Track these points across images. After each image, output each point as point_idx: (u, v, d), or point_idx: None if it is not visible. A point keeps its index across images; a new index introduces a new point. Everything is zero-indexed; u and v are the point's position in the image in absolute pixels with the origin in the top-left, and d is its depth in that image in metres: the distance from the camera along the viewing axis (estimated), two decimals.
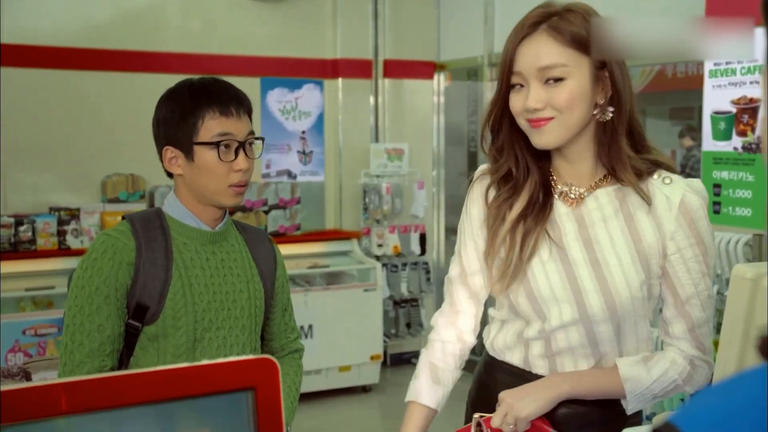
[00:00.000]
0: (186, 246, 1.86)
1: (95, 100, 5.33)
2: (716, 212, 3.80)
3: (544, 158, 1.64)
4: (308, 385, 5.34)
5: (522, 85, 1.55)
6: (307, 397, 5.27)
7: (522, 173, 1.62)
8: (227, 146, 1.81)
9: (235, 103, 1.85)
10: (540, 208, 1.60)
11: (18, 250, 4.89)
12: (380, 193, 5.97)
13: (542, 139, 1.55)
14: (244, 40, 5.83)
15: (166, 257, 1.82)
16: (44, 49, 5.21)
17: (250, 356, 0.79)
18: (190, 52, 5.61)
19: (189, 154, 1.82)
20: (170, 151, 1.84)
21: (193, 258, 1.86)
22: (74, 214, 5.08)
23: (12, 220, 4.92)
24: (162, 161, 1.88)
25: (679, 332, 1.59)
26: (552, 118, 1.52)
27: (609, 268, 1.55)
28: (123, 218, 1.89)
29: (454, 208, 7.12)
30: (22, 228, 4.93)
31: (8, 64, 5.09)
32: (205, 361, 0.75)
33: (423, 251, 6.16)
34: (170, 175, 1.90)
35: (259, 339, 2.00)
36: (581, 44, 1.51)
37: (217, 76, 1.94)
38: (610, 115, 1.55)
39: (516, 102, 1.56)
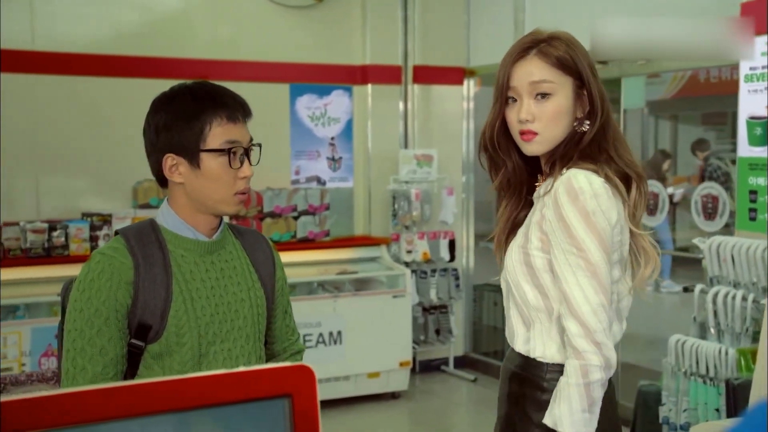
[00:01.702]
0: (184, 258, 1.80)
1: (127, 107, 5.38)
2: (752, 219, 3.73)
3: (533, 162, 1.95)
4: (337, 391, 5.34)
5: (515, 100, 1.86)
6: (336, 404, 5.27)
7: (517, 179, 1.96)
8: (234, 153, 1.77)
9: (241, 109, 1.81)
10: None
11: (51, 255, 4.95)
12: (409, 199, 5.96)
13: (531, 148, 1.86)
14: (273, 46, 5.86)
15: (165, 273, 1.77)
16: (76, 56, 5.27)
17: (286, 363, 0.78)
18: (220, 59, 5.64)
19: (194, 161, 1.76)
20: (172, 159, 1.77)
21: (193, 270, 1.81)
22: (106, 220, 5.13)
23: (45, 225, 4.98)
24: (160, 169, 1.79)
25: (565, 321, 1.76)
26: (537, 134, 1.83)
27: (515, 239, 1.91)
28: (116, 233, 1.83)
29: (484, 215, 7.08)
30: (55, 233, 4.99)
31: (42, 71, 5.17)
32: (242, 368, 0.74)
33: (452, 257, 6.13)
34: (163, 184, 1.83)
35: (263, 346, 1.95)
36: (565, 66, 1.83)
37: (214, 81, 1.87)
38: (587, 126, 1.84)
39: (512, 115, 1.86)
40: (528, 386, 1.83)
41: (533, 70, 1.82)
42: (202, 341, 1.79)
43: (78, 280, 1.77)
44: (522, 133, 1.84)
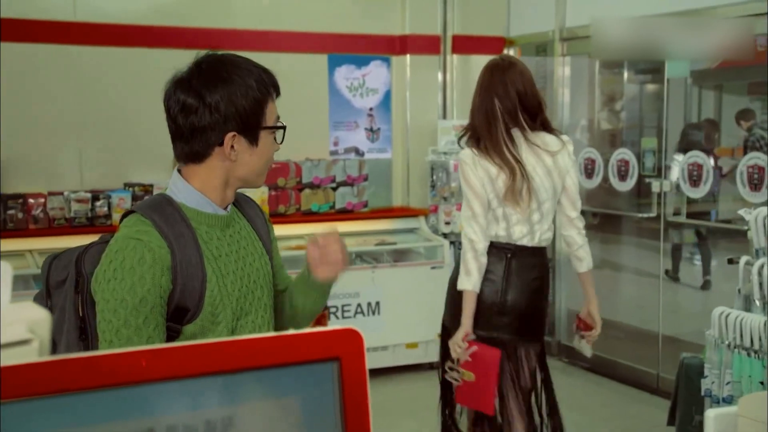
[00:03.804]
0: (209, 235, 1.76)
1: (167, 77, 5.40)
2: None
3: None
4: (375, 362, 5.37)
5: None
6: (374, 373, 5.30)
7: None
8: (283, 129, 1.80)
9: (278, 86, 1.80)
10: None
11: (94, 224, 5.03)
12: (448, 171, 5.93)
13: None
14: (311, 17, 5.83)
15: (198, 253, 1.71)
16: (118, 27, 5.31)
17: (336, 327, 0.78)
18: (259, 29, 5.64)
19: (254, 139, 1.74)
20: (232, 138, 1.71)
21: (218, 247, 1.77)
22: (148, 190, 5.19)
23: (89, 195, 5.06)
24: (211, 146, 1.72)
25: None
26: None
27: None
28: (132, 212, 1.75)
29: None
30: (98, 203, 5.07)
31: (84, 42, 5.21)
32: (291, 331, 0.74)
33: None
34: (200, 160, 1.74)
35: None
36: None
37: (253, 53, 1.85)
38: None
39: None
40: None
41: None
42: (234, 316, 1.77)
43: (113, 267, 1.66)
44: None
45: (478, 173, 3.01)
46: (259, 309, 1.83)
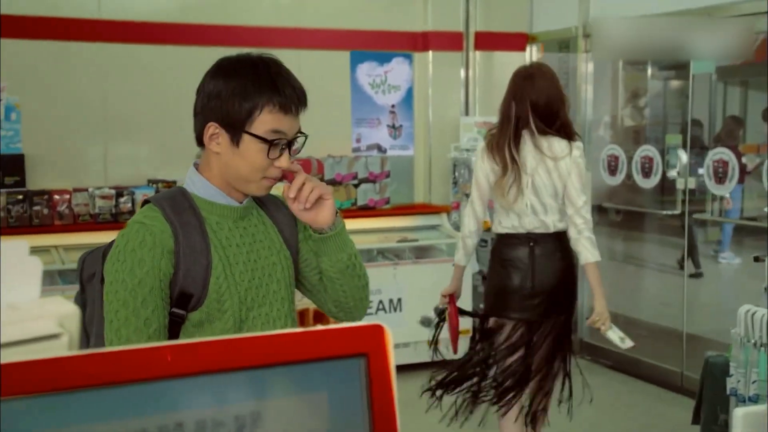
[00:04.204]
0: (219, 225, 1.79)
1: (189, 75, 5.42)
2: None
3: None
4: (397, 358, 5.34)
5: None
6: (396, 370, 5.30)
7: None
8: (276, 145, 1.74)
9: (297, 100, 1.76)
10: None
11: (118, 220, 5.07)
12: (470, 168, 5.91)
13: None
14: (333, 13, 5.84)
15: (204, 240, 1.75)
16: (141, 24, 5.34)
17: (361, 323, 0.78)
18: (281, 26, 5.65)
19: (236, 138, 1.74)
20: (214, 128, 1.75)
21: (228, 237, 1.79)
22: (171, 186, 5.22)
23: (113, 191, 5.10)
24: (201, 133, 1.79)
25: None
26: None
27: None
28: (146, 202, 1.81)
29: None
30: (122, 199, 5.10)
31: (108, 40, 5.25)
32: (319, 327, 0.74)
33: None
34: (202, 144, 1.81)
35: (295, 308, 1.94)
36: None
37: (278, 60, 1.80)
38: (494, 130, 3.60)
39: None
40: None
41: None
42: (242, 307, 1.78)
43: (117, 249, 1.72)
44: None
45: (483, 166, 3.44)
46: (274, 302, 1.84)
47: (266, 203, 1.93)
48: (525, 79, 3.45)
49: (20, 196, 4.94)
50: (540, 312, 3.46)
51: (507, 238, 3.46)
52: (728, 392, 3.28)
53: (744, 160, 6.57)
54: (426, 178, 6.16)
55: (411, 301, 5.42)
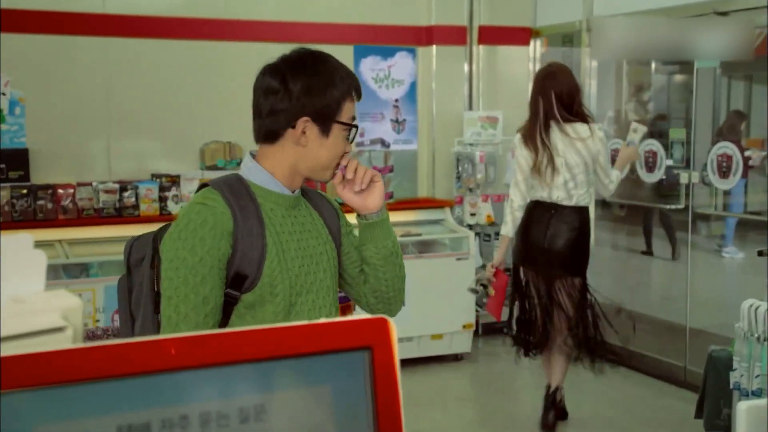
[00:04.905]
0: (273, 212, 1.86)
1: (194, 70, 5.44)
2: None
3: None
4: (401, 353, 5.32)
5: None
6: (400, 364, 5.30)
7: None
8: (356, 129, 1.90)
9: (360, 90, 1.92)
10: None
11: (122, 215, 5.08)
12: (474, 162, 5.91)
13: None
14: (337, 7, 5.83)
15: (260, 224, 1.82)
16: (145, 19, 5.34)
17: (365, 316, 0.78)
18: (284, 21, 5.64)
19: (326, 129, 1.84)
20: (306, 122, 1.83)
21: (281, 223, 1.86)
22: (174, 181, 5.23)
23: (117, 186, 5.11)
24: (280, 129, 1.84)
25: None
26: None
27: None
28: (205, 185, 1.86)
29: None
30: (126, 194, 5.11)
31: (112, 34, 5.25)
32: (323, 319, 0.74)
33: None
34: (272, 140, 1.86)
35: (338, 299, 2.01)
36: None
37: (279, 43, 1.93)
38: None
39: None
40: None
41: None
42: (292, 291, 1.84)
43: (178, 228, 1.78)
44: None
45: (523, 152, 4.21)
46: (321, 290, 1.91)
47: (312, 197, 2.03)
48: (547, 76, 4.16)
49: (24, 191, 4.95)
50: (552, 269, 4.22)
51: (538, 204, 4.24)
52: (731, 386, 3.29)
53: (748, 153, 6.56)
54: (429, 172, 6.16)
55: (414, 296, 5.41)
